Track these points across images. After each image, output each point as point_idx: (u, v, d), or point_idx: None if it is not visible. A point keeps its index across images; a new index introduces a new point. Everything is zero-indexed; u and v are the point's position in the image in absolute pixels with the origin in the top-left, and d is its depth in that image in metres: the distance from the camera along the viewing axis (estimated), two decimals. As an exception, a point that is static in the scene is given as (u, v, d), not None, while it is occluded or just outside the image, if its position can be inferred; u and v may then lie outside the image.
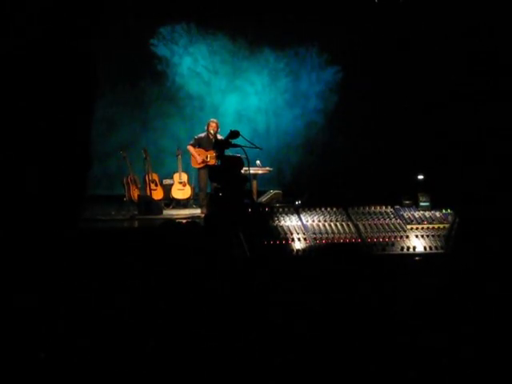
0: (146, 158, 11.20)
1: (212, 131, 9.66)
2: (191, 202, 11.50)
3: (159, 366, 1.60)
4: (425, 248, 4.71)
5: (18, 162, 1.04)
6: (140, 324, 1.72)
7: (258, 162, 9.55)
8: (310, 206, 5.17)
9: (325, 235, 4.79)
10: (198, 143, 9.84)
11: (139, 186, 11.30)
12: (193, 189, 11.40)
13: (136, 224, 9.22)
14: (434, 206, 5.15)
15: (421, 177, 5.83)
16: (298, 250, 4.65)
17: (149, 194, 10.99)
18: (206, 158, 9.69)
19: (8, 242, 1.07)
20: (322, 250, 4.63)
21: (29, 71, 1.01)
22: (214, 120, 9.83)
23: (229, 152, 5.61)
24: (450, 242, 1.76)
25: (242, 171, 5.22)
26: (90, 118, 1.20)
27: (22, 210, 1.08)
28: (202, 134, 9.90)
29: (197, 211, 10.34)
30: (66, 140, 1.11)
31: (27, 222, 1.09)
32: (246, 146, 5.82)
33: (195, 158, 9.81)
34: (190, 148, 9.88)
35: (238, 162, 5.14)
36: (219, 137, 9.41)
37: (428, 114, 10.45)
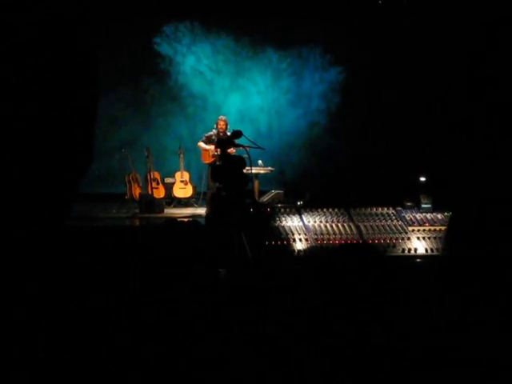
0: (147, 157, 11.21)
1: (220, 129, 9.65)
2: (192, 200, 11.51)
3: (157, 370, 1.60)
4: (426, 250, 4.71)
5: (15, 158, 1.03)
6: (137, 324, 1.71)
7: (259, 161, 9.56)
8: (311, 206, 5.17)
9: (326, 236, 4.79)
10: (208, 140, 9.79)
11: (141, 184, 11.32)
12: (194, 188, 11.41)
13: (137, 222, 9.24)
14: (435, 208, 5.15)
15: (423, 179, 5.81)
16: (299, 251, 4.65)
17: (150, 192, 11.00)
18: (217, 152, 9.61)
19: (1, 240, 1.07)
20: (323, 250, 4.63)
21: (27, 68, 1.01)
22: (222, 118, 9.80)
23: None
24: (446, 242, 1.75)
25: (244, 171, 5.22)
26: (94, 114, 1.19)
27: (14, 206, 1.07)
28: (212, 132, 9.86)
29: (200, 210, 10.34)
30: (68, 136, 1.11)
31: (17, 218, 1.08)
32: (248, 146, 5.82)
33: (207, 150, 9.72)
34: (201, 144, 9.82)
35: (240, 162, 5.13)
36: (229, 134, 9.39)
37: (431, 115, 10.45)
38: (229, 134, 9.37)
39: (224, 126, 9.66)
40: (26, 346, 1.14)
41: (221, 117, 9.83)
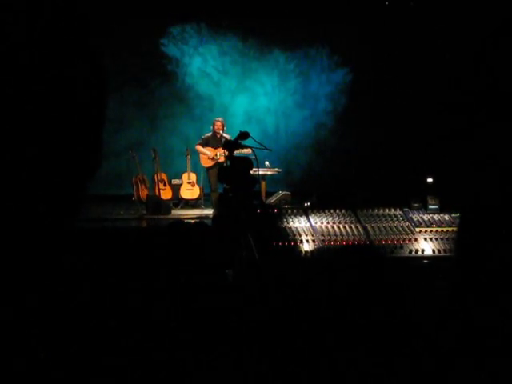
0: (154, 158, 11.23)
1: (218, 130, 9.56)
2: (199, 202, 11.50)
3: (159, 370, 1.60)
4: (433, 251, 4.70)
5: (22, 160, 1.04)
6: (140, 325, 1.71)
7: (266, 162, 9.54)
8: (318, 207, 5.16)
9: (333, 237, 4.78)
10: (206, 142, 9.70)
11: (148, 185, 11.33)
12: (201, 189, 11.38)
13: (144, 224, 9.26)
14: (442, 209, 5.13)
15: (430, 179, 5.80)
16: (306, 252, 4.65)
17: (157, 193, 11.01)
18: (216, 155, 9.52)
19: (6, 240, 1.07)
20: (330, 251, 4.63)
21: (31, 69, 1.01)
22: (219, 119, 9.69)
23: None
24: (456, 244, 1.74)
25: (251, 172, 5.21)
26: (101, 114, 1.20)
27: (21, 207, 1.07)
28: (209, 134, 9.77)
29: (206, 211, 10.34)
30: (75, 138, 1.11)
31: (25, 218, 1.08)
32: (255, 147, 5.81)
33: (205, 154, 9.63)
34: (199, 147, 9.71)
35: (247, 163, 5.13)
36: (225, 135, 9.34)
37: (438, 116, 10.43)
38: (225, 135, 9.35)
39: (221, 127, 9.57)
40: (26, 345, 1.14)
41: (218, 118, 9.75)
